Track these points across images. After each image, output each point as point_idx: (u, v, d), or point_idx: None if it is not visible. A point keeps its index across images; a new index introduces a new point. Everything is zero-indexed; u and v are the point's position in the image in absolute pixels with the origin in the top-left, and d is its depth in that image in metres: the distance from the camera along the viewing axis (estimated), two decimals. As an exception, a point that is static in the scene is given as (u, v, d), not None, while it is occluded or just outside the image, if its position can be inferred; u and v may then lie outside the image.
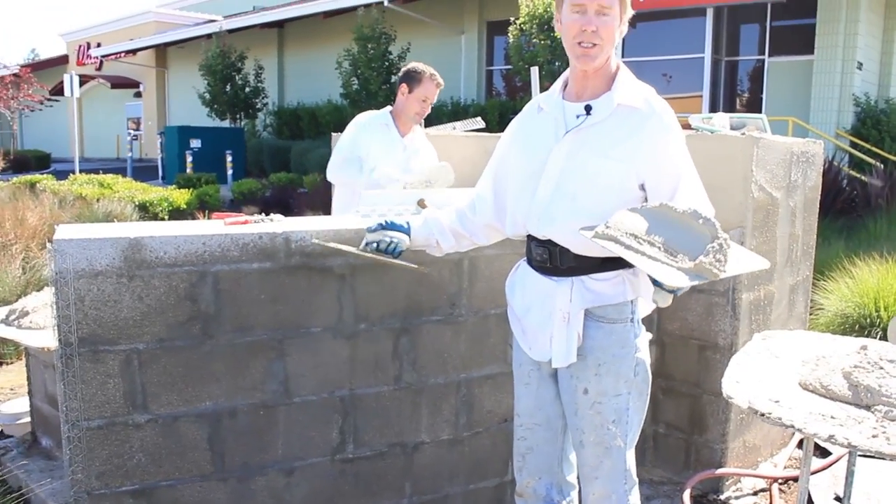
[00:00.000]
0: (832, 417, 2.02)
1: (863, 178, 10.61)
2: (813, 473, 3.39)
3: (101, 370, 2.17)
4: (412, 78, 3.83)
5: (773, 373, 2.36)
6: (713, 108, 13.84)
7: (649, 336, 2.23)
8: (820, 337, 2.80)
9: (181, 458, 2.30)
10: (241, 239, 2.30)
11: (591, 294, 2.05)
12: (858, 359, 2.25)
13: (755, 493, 3.38)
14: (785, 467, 3.61)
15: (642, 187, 2.02)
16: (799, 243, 3.75)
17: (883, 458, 1.81)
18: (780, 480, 3.41)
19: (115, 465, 2.22)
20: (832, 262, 6.01)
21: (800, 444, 3.78)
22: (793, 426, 1.97)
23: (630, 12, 2.02)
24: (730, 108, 14.42)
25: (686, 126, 3.77)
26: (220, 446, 2.35)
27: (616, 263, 2.00)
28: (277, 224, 2.46)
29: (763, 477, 3.44)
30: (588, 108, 2.03)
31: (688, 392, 3.43)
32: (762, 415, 2.03)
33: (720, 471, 3.30)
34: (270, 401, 2.40)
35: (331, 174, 3.97)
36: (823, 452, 3.64)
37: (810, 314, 5.04)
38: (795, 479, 3.42)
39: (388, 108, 3.98)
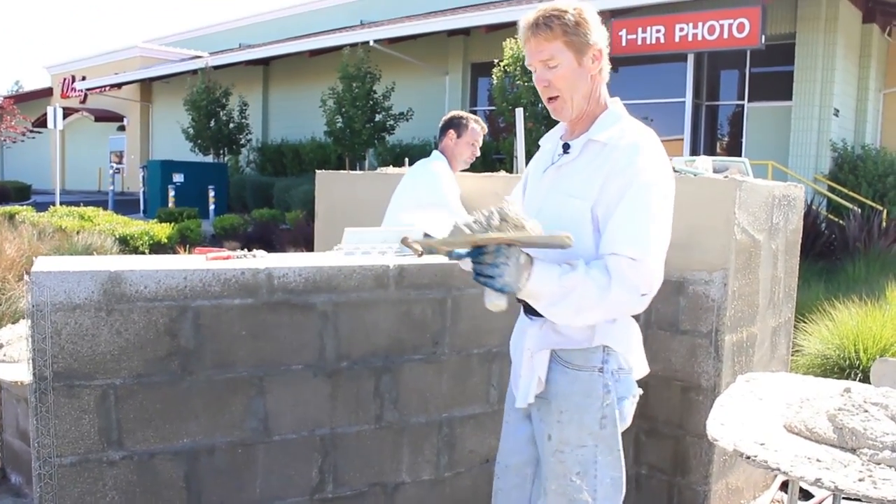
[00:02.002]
0: (818, 460, 2.00)
1: (841, 222, 10.75)
2: (796, 517, 3.37)
3: (76, 405, 2.12)
4: (459, 125, 3.99)
5: (757, 415, 2.35)
6: (694, 152, 14.02)
7: (638, 393, 2.09)
8: (803, 379, 2.80)
9: (156, 496, 2.24)
10: (223, 274, 2.28)
11: (558, 336, 1.99)
12: (843, 401, 2.25)
13: (738, 538, 3.35)
14: (768, 511, 3.59)
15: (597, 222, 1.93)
16: (781, 285, 3.76)
17: (869, 503, 1.80)
18: (763, 524, 3.38)
19: (88, 504, 2.16)
20: (812, 305, 6.05)
21: (783, 487, 3.76)
22: (779, 469, 1.95)
23: (596, 48, 1.95)
24: (710, 151, 14.63)
25: (669, 168, 3.81)
26: (197, 485, 2.30)
27: None
28: (260, 260, 2.44)
29: (746, 521, 3.41)
30: (566, 147, 2.02)
31: (670, 433, 3.41)
32: (748, 457, 2.01)
33: (703, 514, 3.27)
34: (249, 439, 2.36)
35: None
36: (807, 495, 3.62)
37: (791, 355, 5.06)
38: (779, 524, 3.39)
39: (437, 152, 4.04)
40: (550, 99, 1.99)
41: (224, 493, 2.33)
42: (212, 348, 2.27)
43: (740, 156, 12.66)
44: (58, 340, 2.08)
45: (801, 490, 3.61)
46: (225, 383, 2.29)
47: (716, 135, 15.40)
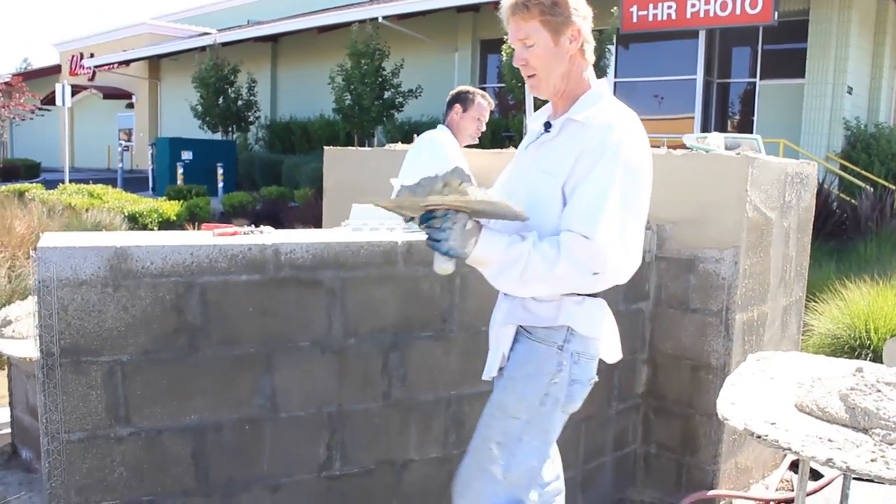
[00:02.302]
0: (830, 440, 1.98)
1: (853, 201, 10.66)
2: (809, 494, 3.36)
3: (84, 381, 2.11)
4: (465, 99, 4.00)
5: (768, 394, 2.33)
6: (705, 130, 13.90)
7: (594, 380, 2.06)
8: (814, 358, 2.77)
9: (164, 472, 2.24)
10: (230, 250, 2.26)
11: (525, 313, 1.99)
12: (855, 381, 2.23)
13: (747, 516, 3.34)
14: (777, 489, 3.58)
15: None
16: (792, 264, 3.73)
17: (882, 483, 1.78)
18: (772, 502, 3.37)
19: (96, 480, 2.16)
20: (823, 284, 6.01)
21: (792, 466, 3.75)
22: (790, 449, 1.94)
23: (575, 28, 1.94)
24: (721, 129, 14.49)
25: (680, 146, 3.77)
26: (205, 461, 2.29)
27: None
28: (267, 236, 2.42)
29: (755, 499, 3.40)
30: (547, 126, 2.01)
31: (680, 412, 3.39)
32: (758, 437, 2.00)
33: (712, 492, 3.26)
34: (257, 416, 2.35)
35: None
36: (815, 474, 3.61)
37: (801, 335, 5.03)
38: (787, 502, 3.38)
39: (442, 125, 4.07)
40: (529, 77, 2.00)
41: (232, 470, 2.33)
42: (219, 325, 2.26)
43: (752, 133, 12.55)
44: (64, 316, 2.06)
45: (811, 470, 3.60)
46: (232, 360, 2.28)
47: (727, 113, 15.26)
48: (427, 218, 1.84)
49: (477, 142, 4.12)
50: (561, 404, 1.98)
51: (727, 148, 3.63)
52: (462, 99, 4.01)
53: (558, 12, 1.91)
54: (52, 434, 2.10)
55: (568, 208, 1.86)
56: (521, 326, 2.00)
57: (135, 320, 2.15)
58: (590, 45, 2.00)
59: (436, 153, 3.90)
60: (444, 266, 1.89)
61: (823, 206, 9.77)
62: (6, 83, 27.77)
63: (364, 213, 2.91)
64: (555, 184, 1.90)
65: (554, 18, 1.91)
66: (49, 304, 2.05)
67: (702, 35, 14.14)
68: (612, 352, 2.13)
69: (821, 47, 12.92)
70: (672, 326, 3.39)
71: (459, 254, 1.85)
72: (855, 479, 3.30)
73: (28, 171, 24.76)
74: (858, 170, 12.33)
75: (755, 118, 14.32)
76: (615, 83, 15.64)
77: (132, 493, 2.20)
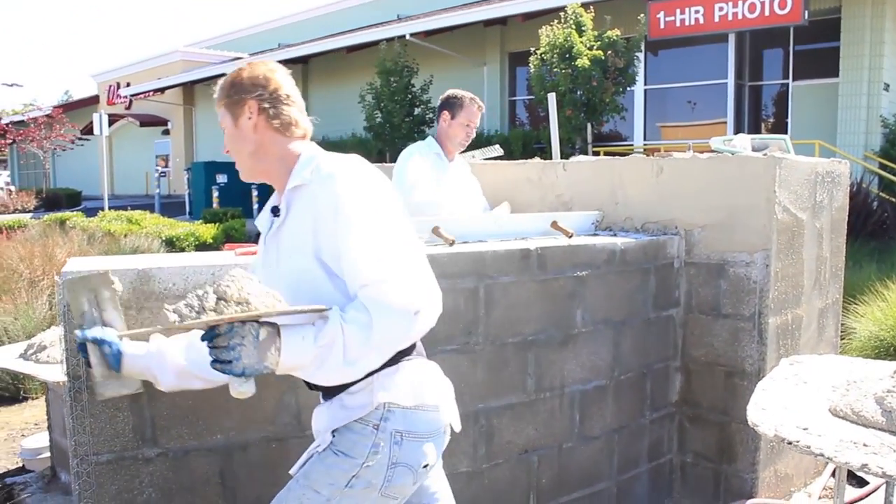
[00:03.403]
0: (865, 445, 1.92)
1: (893, 200, 10.41)
2: (850, 503, 3.27)
3: (110, 403, 2.13)
4: (452, 104, 3.80)
5: (801, 399, 2.27)
6: (737, 133, 13.71)
7: (429, 464, 1.81)
8: (851, 361, 2.69)
9: (192, 493, 2.25)
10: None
11: (345, 412, 1.78)
12: (892, 383, 2.16)
13: (789, 526, 3.26)
14: (819, 497, 3.48)
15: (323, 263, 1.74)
16: (827, 265, 3.65)
17: (919, 488, 1.72)
18: (814, 512, 3.28)
19: (125, 500, 2.18)
20: (864, 286, 5.87)
21: (835, 473, 3.64)
22: (822, 455, 1.88)
23: (252, 105, 1.82)
24: (755, 132, 14.27)
25: (707, 150, 3.72)
26: (232, 481, 2.30)
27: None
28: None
29: (797, 508, 3.31)
30: (275, 211, 1.87)
31: (715, 420, 3.33)
32: (790, 443, 1.94)
33: (751, 501, 3.19)
34: (283, 433, 2.35)
35: None
36: (860, 481, 3.51)
37: (842, 339, 4.91)
38: (831, 511, 3.29)
39: (430, 137, 3.93)
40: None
41: (260, 488, 2.33)
42: (242, 344, 2.26)
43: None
44: (90, 339, 2.09)
45: (856, 477, 3.50)
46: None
47: (760, 116, 15.05)
48: (211, 336, 1.59)
49: (464, 148, 3.96)
50: (379, 488, 1.75)
51: (754, 149, 3.57)
52: (450, 105, 3.80)
53: (234, 93, 1.85)
54: (81, 456, 2.13)
55: (347, 269, 1.68)
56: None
57: (159, 341, 2.16)
58: (282, 121, 1.85)
59: (396, 173, 3.76)
60: (241, 389, 1.63)
61: (863, 206, 9.57)
62: (48, 115, 28.54)
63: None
64: (307, 259, 1.74)
65: (230, 100, 1.85)
66: (75, 328, 2.08)
67: (731, 38, 13.99)
68: (455, 413, 1.91)
69: (854, 45, 12.69)
70: (704, 332, 3.33)
71: (260, 370, 1.61)
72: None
73: (69, 199, 25.33)
74: (898, 168, 12.06)
75: (789, 120, 14.10)
76: (645, 91, 15.54)
77: (161, 513, 2.21)
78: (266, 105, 1.84)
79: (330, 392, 1.82)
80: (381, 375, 1.76)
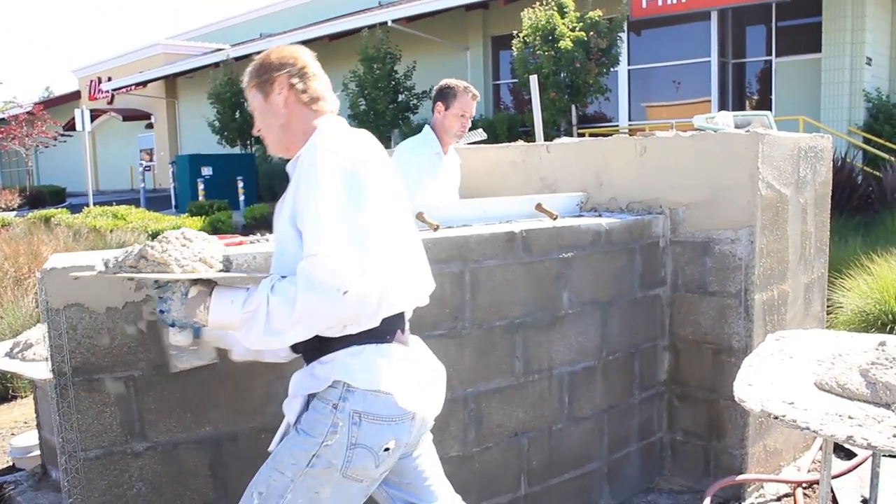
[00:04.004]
0: (850, 417, 1.94)
1: (877, 174, 10.47)
2: (837, 476, 3.30)
3: (97, 399, 2.12)
4: (446, 94, 3.74)
5: (787, 374, 2.28)
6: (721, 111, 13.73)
7: (390, 447, 1.80)
8: (836, 335, 2.71)
9: (182, 485, 2.25)
10: (236, 259, 2.25)
11: (313, 381, 1.84)
12: (876, 355, 2.18)
13: (779, 499, 3.28)
14: (809, 471, 3.51)
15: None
16: (812, 240, 3.66)
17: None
18: (803, 485, 3.31)
19: (115, 496, 2.17)
20: (850, 260, 5.90)
21: (823, 447, 3.68)
22: (808, 428, 1.89)
23: (282, 81, 1.92)
24: (739, 110, 14.31)
25: (691, 128, 3.72)
26: (223, 472, 2.30)
27: (334, 345, 1.79)
28: (272, 243, 2.41)
29: (786, 482, 3.34)
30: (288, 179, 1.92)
31: (704, 398, 3.35)
32: (776, 417, 1.95)
33: (741, 477, 3.21)
34: (272, 424, 2.33)
35: None
36: (849, 454, 3.54)
37: (829, 313, 4.94)
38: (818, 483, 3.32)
39: (427, 129, 3.86)
40: (264, 141, 2.02)
41: (250, 479, 2.32)
42: (228, 335, 2.25)
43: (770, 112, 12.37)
44: (74, 336, 2.08)
45: (845, 450, 3.53)
46: (243, 369, 2.27)
47: (744, 93, 15.07)
48: (155, 288, 1.79)
49: (460, 139, 3.92)
50: (339, 469, 1.76)
51: (737, 126, 3.57)
52: (443, 95, 3.74)
53: (263, 72, 1.96)
54: (69, 453, 2.11)
55: (303, 239, 1.73)
56: (309, 395, 1.86)
57: (144, 336, 2.15)
58: (310, 95, 1.95)
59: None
60: (176, 338, 1.80)
61: (847, 181, 9.61)
62: (28, 112, 28.27)
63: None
64: (288, 226, 1.79)
65: (260, 79, 1.96)
66: (58, 325, 2.06)
67: (714, 16, 13.99)
68: (423, 403, 1.88)
69: (836, 19, 12.70)
70: (691, 311, 3.35)
71: (188, 323, 1.77)
72: (888, 456, 3.23)
73: (54, 197, 25.15)
74: (882, 142, 12.10)
75: (773, 96, 14.13)
76: (629, 71, 15.53)
77: (152, 507, 2.21)
78: (294, 80, 1.94)
79: (307, 357, 1.88)
80: (343, 353, 1.79)
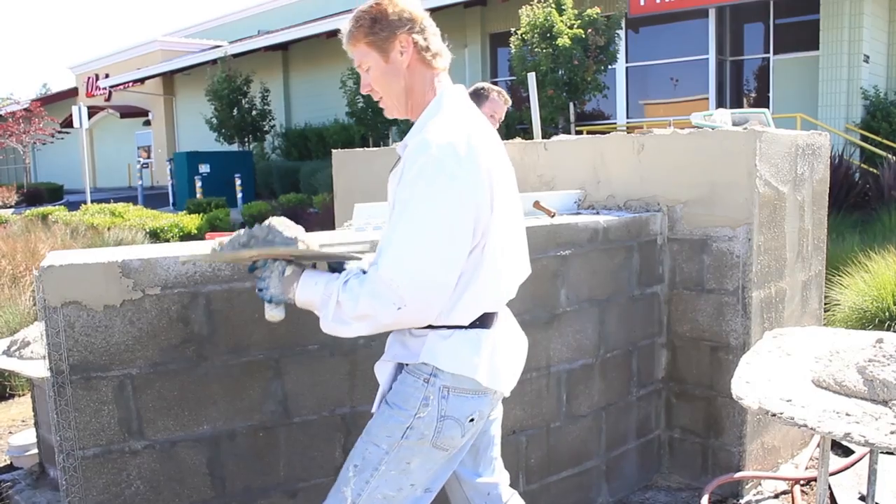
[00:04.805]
0: (848, 415, 1.94)
1: (875, 171, 10.48)
2: (835, 473, 3.30)
3: (95, 397, 2.12)
4: (479, 95, 3.92)
5: (784, 371, 2.29)
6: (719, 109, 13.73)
7: (475, 418, 1.88)
8: (834, 332, 2.72)
9: (180, 484, 2.25)
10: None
11: (403, 350, 1.89)
12: (873, 352, 2.18)
13: (776, 496, 3.29)
14: (807, 468, 3.52)
15: None
16: (809, 238, 3.66)
17: (901, 455, 1.73)
18: (801, 482, 3.31)
19: (113, 494, 2.17)
20: (847, 257, 5.90)
21: (820, 444, 3.68)
22: (806, 425, 1.89)
23: (402, 39, 1.82)
24: (737, 107, 14.30)
25: (689, 126, 3.72)
26: (220, 470, 2.30)
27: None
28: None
29: (784, 479, 3.35)
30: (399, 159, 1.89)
31: (701, 395, 3.35)
32: (773, 415, 1.96)
33: (739, 474, 3.22)
34: (269, 422, 2.35)
35: None
36: (846, 451, 3.54)
37: (827, 310, 4.95)
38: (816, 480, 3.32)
39: None
40: (379, 102, 1.95)
41: (248, 478, 2.33)
42: (226, 333, 2.25)
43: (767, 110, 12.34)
44: (71, 334, 2.07)
45: (842, 447, 3.54)
46: (241, 367, 2.28)
47: (742, 91, 15.08)
48: (252, 268, 1.89)
49: None
50: (430, 439, 1.83)
51: (735, 124, 3.57)
52: (476, 95, 3.89)
53: (379, 29, 1.83)
54: (66, 451, 2.11)
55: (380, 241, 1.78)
56: (399, 363, 1.91)
57: (141, 333, 2.15)
58: (432, 51, 1.87)
59: None
60: (272, 313, 1.90)
61: (845, 178, 9.62)
62: (26, 109, 28.20)
63: (367, 212, 2.90)
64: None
65: (377, 37, 1.84)
66: (56, 323, 2.06)
67: (712, 13, 13.99)
68: (504, 381, 1.94)
69: (834, 16, 12.71)
70: (688, 308, 3.35)
71: (283, 299, 1.86)
72: (886, 453, 3.24)
73: (51, 194, 25.09)
74: (880, 139, 12.11)
75: (771, 94, 14.13)
76: (627, 68, 15.53)
77: (150, 505, 2.21)
78: (418, 38, 1.84)
79: None
80: (434, 336, 1.82)
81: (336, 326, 1.79)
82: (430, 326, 1.81)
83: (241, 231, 1.86)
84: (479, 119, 1.88)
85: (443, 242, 1.70)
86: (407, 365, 1.88)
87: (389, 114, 1.96)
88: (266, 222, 1.86)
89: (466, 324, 1.83)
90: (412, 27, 1.83)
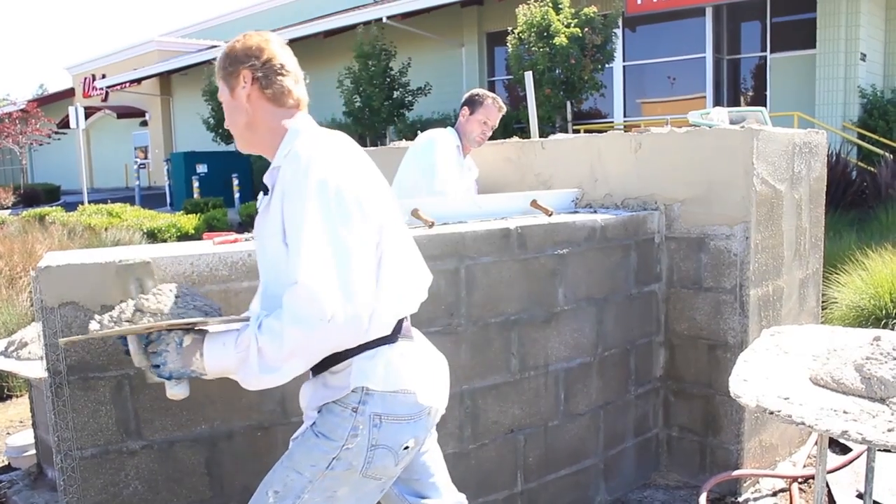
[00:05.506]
0: (845, 412, 1.94)
1: (872, 169, 10.49)
2: (833, 471, 3.31)
3: (92, 398, 2.11)
4: (473, 101, 3.93)
5: (782, 369, 2.29)
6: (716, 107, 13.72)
7: (409, 446, 1.80)
8: (831, 330, 2.72)
9: (179, 484, 2.24)
10: (230, 258, 2.25)
11: (327, 391, 1.79)
12: (871, 350, 2.18)
13: (774, 494, 3.29)
14: (805, 466, 3.52)
15: None
16: (807, 236, 3.67)
17: (899, 453, 1.74)
18: (799, 479, 3.32)
19: (111, 494, 2.16)
20: (844, 255, 5.92)
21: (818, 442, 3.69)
22: (804, 423, 1.90)
23: (245, 74, 1.82)
24: (734, 106, 14.30)
25: (686, 124, 3.72)
26: (219, 470, 2.29)
27: (344, 355, 1.74)
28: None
29: (781, 476, 3.35)
30: (265, 189, 1.83)
31: (699, 393, 3.35)
32: (771, 413, 1.96)
33: (737, 472, 3.22)
34: (268, 421, 2.35)
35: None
36: (844, 448, 3.55)
37: (824, 308, 4.95)
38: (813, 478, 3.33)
39: (450, 128, 4.00)
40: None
41: (246, 478, 2.32)
42: (223, 333, 2.25)
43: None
44: (69, 334, 2.07)
45: (840, 445, 3.54)
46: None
47: (739, 89, 15.08)
48: (146, 343, 1.71)
49: (478, 147, 3.97)
50: (360, 470, 1.75)
51: (732, 122, 3.58)
52: (470, 101, 3.93)
53: (227, 63, 1.85)
54: (64, 452, 2.11)
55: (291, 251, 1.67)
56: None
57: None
58: (278, 87, 1.84)
59: (424, 151, 3.85)
60: (173, 391, 1.74)
61: (842, 177, 9.63)
62: (22, 110, 28.15)
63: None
64: (276, 243, 1.72)
65: (226, 71, 1.86)
66: (53, 323, 2.06)
67: (708, 12, 13.99)
68: (437, 395, 1.89)
69: (830, 15, 12.71)
70: (686, 306, 3.35)
71: (186, 374, 1.71)
72: (883, 451, 3.24)
73: (48, 195, 25.05)
74: (877, 137, 12.13)
75: (768, 92, 14.14)
76: (624, 67, 15.53)
77: (148, 505, 2.21)
78: (259, 74, 1.83)
79: (315, 369, 1.81)
80: (358, 358, 1.75)
81: (264, 378, 1.66)
82: (350, 355, 1.74)
83: (127, 302, 1.72)
84: (340, 135, 1.86)
85: (358, 232, 1.67)
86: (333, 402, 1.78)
87: (239, 147, 1.95)
88: (157, 289, 1.74)
89: (388, 332, 1.77)
90: (254, 64, 1.83)
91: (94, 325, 1.72)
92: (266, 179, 1.84)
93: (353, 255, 1.65)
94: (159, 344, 1.70)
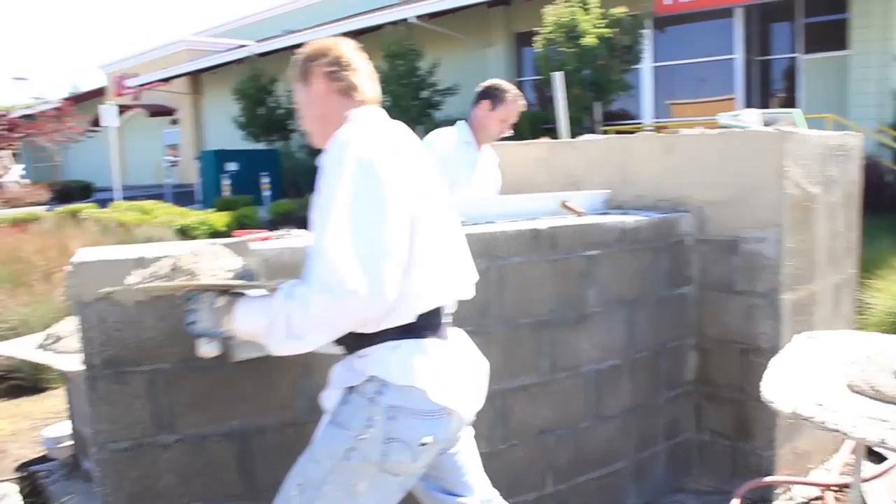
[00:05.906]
0: (883, 420, 1.91)
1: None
2: (868, 480, 3.26)
3: (127, 391, 2.14)
4: (495, 96, 3.71)
5: (817, 374, 2.26)
6: (747, 109, 13.57)
7: (427, 442, 1.80)
8: (868, 336, 2.68)
9: (211, 478, 2.27)
10: (263, 255, 2.27)
11: (351, 374, 1.85)
12: (909, 356, 2.15)
13: (808, 502, 3.25)
14: (840, 474, 3.47)
15: None
16: (841, 240, 3.62)
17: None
18: (833, 487, 3.27)
19: (145, 487, 2.19)
20: (881, 261, 5.83)
21: (854, 450, 3.63)
22: (839, 430, 1.87)
23: (319, 70, 1.98)
24: (764, 107, 14.12)
25: (717, 126, 3.68)
26: (250, 465, 2.31)
27: (371, 339, 1.79)
28: (298, 239, 2.43)
29: (816, 484, 3.30)
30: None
31: (731, 398, 3.32)
32: (805, 419, 1.94)
33: (769, 479, 3.19)
34: (299, 418, 2.36)
35: None
36: (880, 457, 3.50)
37: (860, 314, 4.88)
38: (849, 486, 3.28)
39: (461, 123, 3.85)
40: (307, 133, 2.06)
41: (278, 473, 2.32)
42: (256, 330, 2.27)
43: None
44: (104, 328, 2.10)
45: (876, 453, 3.49)
46: (271, 363, 2.29)
47: (769, 91, 14.91)
48: (185, 300, 1.83)
49: (494, 142, 3.88)
50: (376, 462, 1.76)
51: (765, 124, 3.54)
52: (492, 95, 3.72)
53: (301, 63, 2.03)
54: (100, 444, 2.14)
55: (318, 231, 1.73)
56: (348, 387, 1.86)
57: (173, 329, 2.16)
58: (345, 82, 1.98)
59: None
60: (205, 349, 1.85)
61: (877, 180, 9.48)
62: (56, 108, 28.57)
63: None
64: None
65: (300, 70, 2.03)
66: (89, 318, 2.09)
67: (738, 12, 13.84)
68: (458, 399, 1.86)
69: (864, 16, 12.53)
70: (718, 310, 3.32)
71: (217, 333, 1.80)
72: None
73: (81, 191, 25.40)
74: (912, 140, 11.94)
75: (799, 94, 13.96)
76: (653, 68, 15.42)
77: (181, 499, 2.23)
78: (328, 70, 1.98)
79: (348, 350, 1.88)
80: (380, 347, 1.79)
81: (290, 343, 1.72)
82: (378, 340, 1.78)
83: (165, 261, 1.80)
84: (397, 127, 1.94)
85: (383, 210, 1.70)
86: (354, 387, 1.83)
87: (314, 142, 2.04)
88: (192, 249, 1.80)
89: (413, 319, 1.79)
90: (324, 60, 1.99)
91: (131, 279, 1.81)
92: (318, 162, 1.90)
93: (379, 232, 1.67)
94: (194, 302, 1.80)
